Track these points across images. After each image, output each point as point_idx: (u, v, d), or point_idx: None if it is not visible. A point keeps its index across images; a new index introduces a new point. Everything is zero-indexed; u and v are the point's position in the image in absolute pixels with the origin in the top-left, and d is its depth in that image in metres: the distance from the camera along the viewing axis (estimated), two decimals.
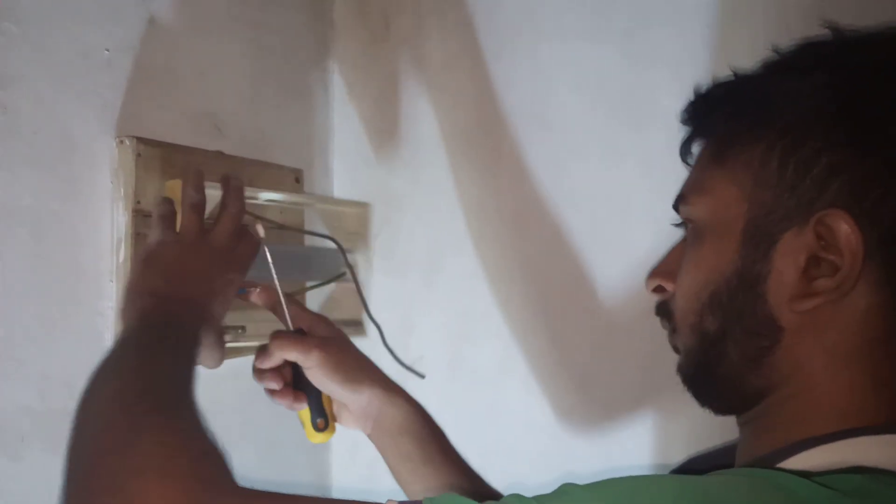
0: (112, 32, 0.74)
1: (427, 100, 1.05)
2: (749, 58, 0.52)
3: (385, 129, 1.09)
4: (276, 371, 0.71)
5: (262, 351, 0.70)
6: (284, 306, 0.71)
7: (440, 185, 1.04)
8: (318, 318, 0.74)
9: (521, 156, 0.98)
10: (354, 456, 1.12)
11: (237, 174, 0.72)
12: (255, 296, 0.72)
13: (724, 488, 0.38)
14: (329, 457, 1.12)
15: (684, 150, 0.53)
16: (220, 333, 0.70)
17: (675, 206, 0.53)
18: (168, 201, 0.69)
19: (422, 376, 0.85)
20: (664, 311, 0.54)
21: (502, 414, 1.01)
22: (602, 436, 0.92)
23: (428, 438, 0.71)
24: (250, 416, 0.95)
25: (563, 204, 0.98)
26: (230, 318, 0.76)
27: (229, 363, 0.87)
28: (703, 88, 0.52)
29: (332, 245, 0.91)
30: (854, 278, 0.41)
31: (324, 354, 0.68)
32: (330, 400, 0.73)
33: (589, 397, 0.96)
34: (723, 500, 0.36)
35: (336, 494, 1.13)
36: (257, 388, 0.96)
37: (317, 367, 0.68)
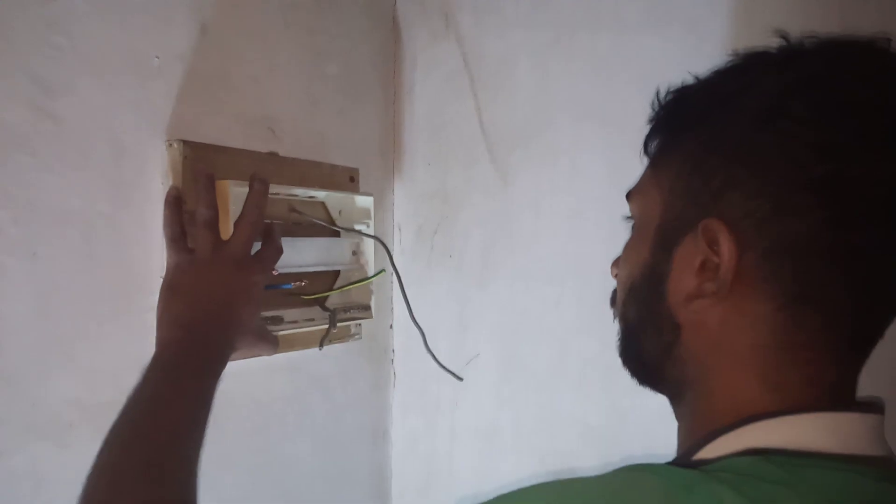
0: (162, 41, 0.77)
1: (484, 97, 1.04)
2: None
3: (443, 127, 1.08)
4: None
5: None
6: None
7: (496, 183, 1.02)
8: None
9: (578, 152, 0.95)
10: (414, 449, 1.13)
11: (263, 176, 0.74)
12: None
13: (599, 484, 0.41)
14: (388, 449, 1.13)
15: (645, 148, 0.55)
16: (261, 328, 0.73)
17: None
18: (172, 220, 0.73)
19: (460, 379, 0.85)
20: (613, 298, 0.57)
21: (556, 416, 0.98)
22: (656, 439, 0.88)
23: None
24: (307, 407, 0.98)
25: (622, 202, 0.94)
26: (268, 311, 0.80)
27: (285, 356, 0.90)
28: (666, 91, 0.53)
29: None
30: (729, 283, 0.43)
31: None
32: None
33: (642, 402, 0.92)
34: (596, 495, 0.40)
35: (395, 486, 1.14)
36: (313, 381, 0.99)
37: None
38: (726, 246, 0.43)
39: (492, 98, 1.03)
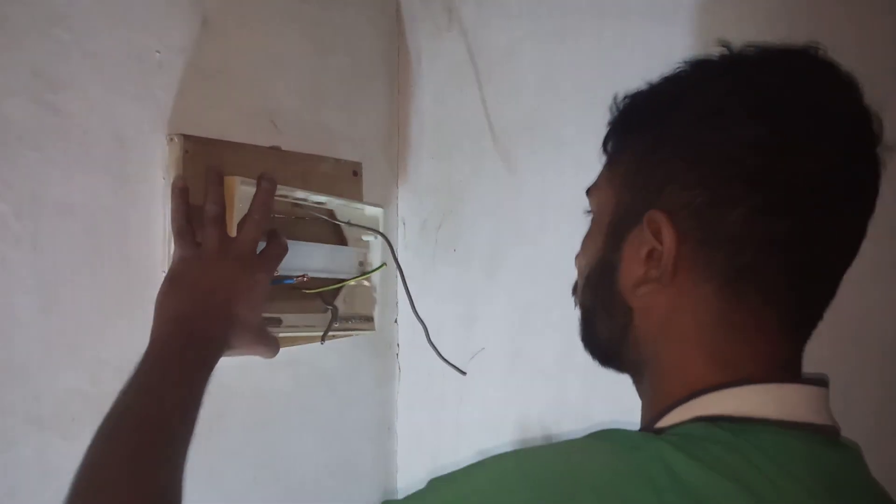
0: (163, 35, 0.77)
1: (489, 89, 1.03)
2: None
3: (447, 120, 1.08)
4: None
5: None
6: None
7: (501, 176, 1.02)
8: None
9: (584, 144, 0.94)
10: (419, 442, 1.13)
11: (271, 175, 0.74)
12: None
13: (555, 451, 0.45)
14: (394, 444, 1.13)
15: (604, 148, 0.58)
16: (261, 329, 0.74)
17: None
18: (179, 213, 0.72)
19: (463, 373, 0.84)
20: (574, 286, 0.62)
21: (563, 409, 0.98)
22: None
23: None
24: (309, 403, 0.98)
25: None
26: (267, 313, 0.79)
27: (286, 351, 0.89)
28: (623, 96, 0.57)
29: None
30: (671, 270, 0.47)
31: None
32: None
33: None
34: (552, 462, 0.43)
35: (400, 481, 1.14)
36: (316, 376, 0.99)
37: None
38: (667, 235, 0.47)
39: (497, 90, 1.03)
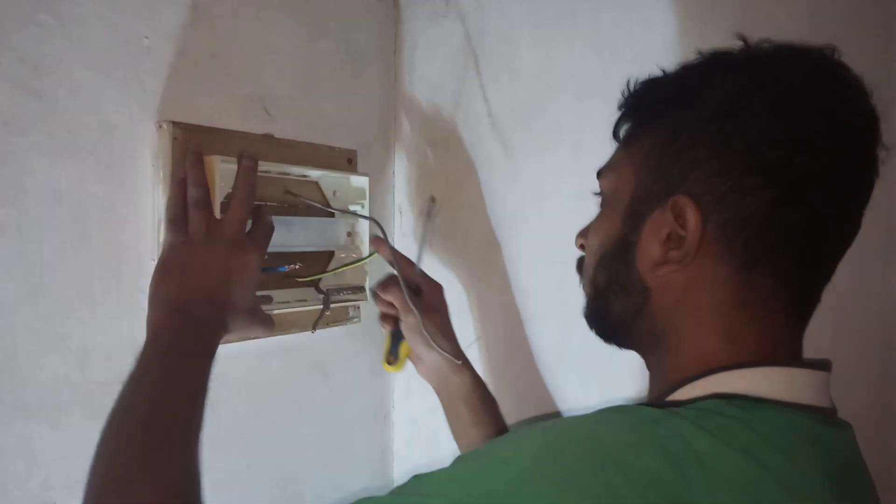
0: (152, 20, 0.76)
1: (487, 75, 1.02)
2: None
3: (444, 107, 1.06)
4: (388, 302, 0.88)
5: (383, 283, 0.88)
6: (398, 265, 0.87)
7: (499, 163, 1.01)
8: (432, 283, 0.91)
9: (582, 131, 0.93)
10: (415, 431, 1.12)
11: (252, 152, 0.73)
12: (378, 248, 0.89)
13: (576, 424, 0.47)
14: (390, 432, 1.13)
15: (615, 132, 0.61)
16: (255, 308, 0.73)
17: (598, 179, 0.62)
18: (175, 202, 0.71)
19: (457, 362, 0.85)
20: (580, 265, 0.64)
21: (559, 399, 0.97)
22: None
23: (480, 408, 0.87)
24: (304, 391, 0.97)
25: None
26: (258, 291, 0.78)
27: (279, 339, 0.89)
28: (636, 82, 0.60)
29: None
30: (694, 252, 0.50)
31: (421, 316, 0.85)
32: (408, 347, 0.90)
33: (645, 384, 0.90)
34: (574, 435, 0.45)
35: (397, 468, 1.13)
36: (313, 364, 0.98)
37: (408, 327, 0.86)
38: (692, 219, 0.50)
39: (494, 76, 1.01)
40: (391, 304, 0.87)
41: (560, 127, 0.95)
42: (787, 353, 0.51)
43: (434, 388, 0.91)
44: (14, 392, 0.67)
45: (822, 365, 0.51)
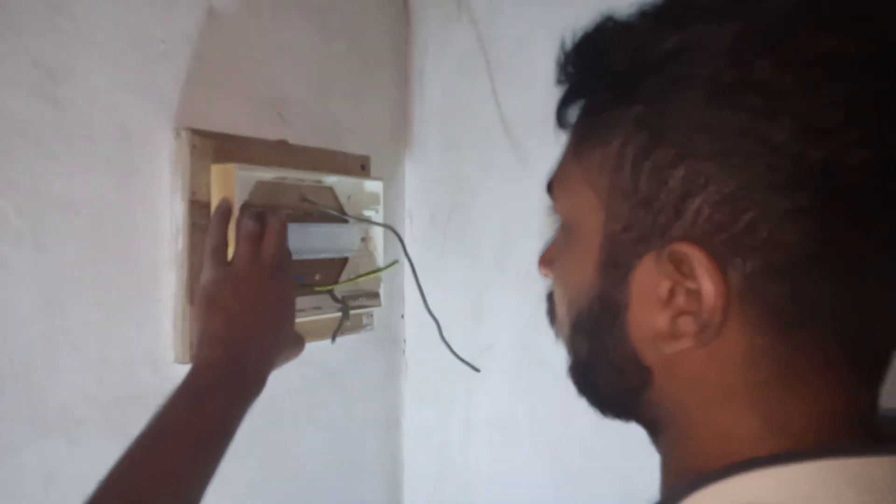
0: (168, 24, 0.74)
1: (500, 79, 1.01)
2: None
3: (456, 111, 1.05)
4: None
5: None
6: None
7: (513, 168, 1.00)
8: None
9: None
10: (426, 438, 1.11)
11: (282, 214, 0.73)
12: None
13: None
14: (400, 439, 1.12)
15: (560, 116, 0.41)
16: (295, 338, 0.73)
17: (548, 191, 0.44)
18: (217, 231, 0.70)
19: (477, 370, 0.83)
20: (550, 310, 0.47)
21: (572, 406, 0.96)
22: None
23: None
24: (318, 400, 0.96)
25: None
26: None
27: None
28: (580, 36, 0.39)
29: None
30: (718, 325, 0.33)
31: None
32: None
33: None
34: None
35: (407, 477, 1.12)
36: (325, 373, 0.97)
37: None
38: (709, 279, 0.32)
39: (508, 80, 1.00)
40: None
41: None
42: (851, 433, 0.34)
43: None
44: (31, 407, 0.65)
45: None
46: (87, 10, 0.67)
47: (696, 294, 0.33)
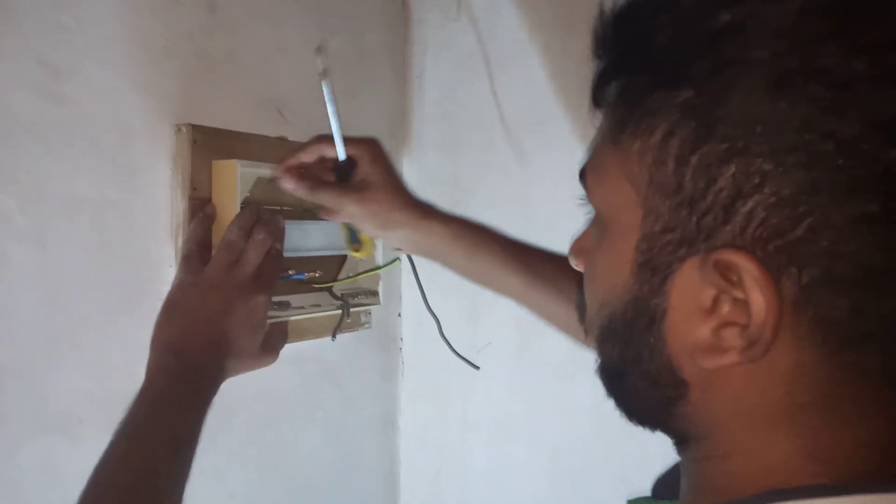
0: (170, 22, 0.74)
1: (499, 79, 1.01)
2: None
3: (455, 110, 1.06)
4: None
5: (309, 187, 0.69)
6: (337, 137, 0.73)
7: (512, 167, 1.00)
8: (363, 145, 0.73)
9: None
10: (423, 437, 1.11)
11: (279, 218, 0.73)
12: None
13: None
14: (397, 439, 1.12)
15: (596, 94, 0.38)
16: (258, 351, 0.71)
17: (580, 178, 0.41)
18: (194, 239, 0.70)
19: (476, 367, 0.83)
20: (580, 307, 0.43)
21: (571, 405, 0.97)
22: None
23: (467, 252, 0.73)
24: (315, 400, 0.96)
25: None
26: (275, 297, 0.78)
27: (293, 347, 0.88)
28: (621, 5, 0.35)
29: None
30: (767, 341, 0.30)
31: (356, 207, 0.69)
32: None
33: None
34: None
35: (404, 476, 1.12)
36: (323, 371, 0.97)
37: (351, 217, 0.70)
38: (759, 292, 0.30)
39: (508, 80, 1.01)
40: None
41: (576, 133, 0.94)
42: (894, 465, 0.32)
43: (421, 255, 0.76)
44: (32, 405, 0.65)
45: None
46: (90, 7, 0.67)
47: (743, 304, 0.31)
